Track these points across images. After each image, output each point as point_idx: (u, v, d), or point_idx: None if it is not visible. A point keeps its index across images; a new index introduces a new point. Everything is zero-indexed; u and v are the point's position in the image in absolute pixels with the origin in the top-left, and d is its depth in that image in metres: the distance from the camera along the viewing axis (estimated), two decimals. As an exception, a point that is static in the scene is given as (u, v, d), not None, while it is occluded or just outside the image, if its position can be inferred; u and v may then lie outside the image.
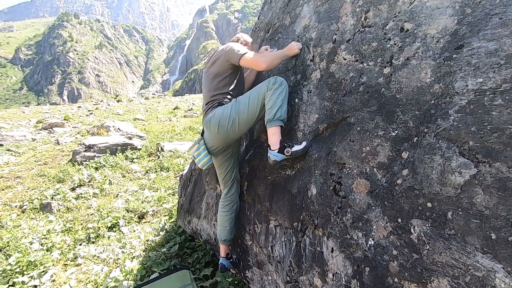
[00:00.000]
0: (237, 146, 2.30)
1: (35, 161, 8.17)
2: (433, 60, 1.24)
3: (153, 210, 4.98)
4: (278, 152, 1.77)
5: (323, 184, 1.56)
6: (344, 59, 1.72)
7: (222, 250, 2.28)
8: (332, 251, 1.44)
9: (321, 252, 1.50)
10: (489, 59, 1.06)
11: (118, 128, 10.48)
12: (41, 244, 3.89)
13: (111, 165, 7.33)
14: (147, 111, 20.95)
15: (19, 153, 9.98)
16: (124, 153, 7.91)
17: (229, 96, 2.08)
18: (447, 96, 1.15)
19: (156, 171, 7.03)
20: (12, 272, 3.22)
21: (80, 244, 4.03)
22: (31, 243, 3.89)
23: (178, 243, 3.38)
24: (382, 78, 1.45)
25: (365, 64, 1.57)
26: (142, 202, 5.19)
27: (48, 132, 15.23)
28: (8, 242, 3.85)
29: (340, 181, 1.48)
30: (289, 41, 2.19)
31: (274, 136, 1.82)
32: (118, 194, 5.89)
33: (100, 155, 7.68)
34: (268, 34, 2.54)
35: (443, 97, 1.16)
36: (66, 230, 4.41)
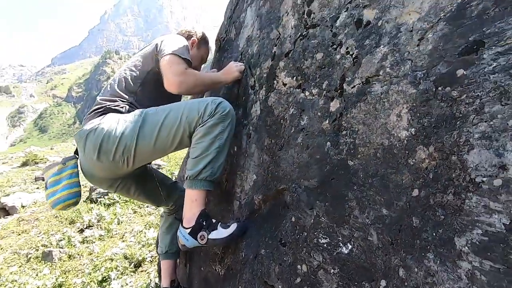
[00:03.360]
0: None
1: (58, 199, 8.32)
2: (412, 85, 0.53)
3: (151, 256, 4.50)
4: (190, 233, 1.08)
5: (244, 318, 0.86)
6: (284, 85, 1.04)
7: (164, 273, 1.60)
8: None
9: None
10: None
11: (139, 158, 10.46)
12: (25, 307, 3.57)
13: (124, 200, 7.12)
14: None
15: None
16: (138, 186, 7.69)
17: (130, 101, 1.30)
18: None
19: (167, 205, 6.65)
20: None
21: (66, 305, 3.64)
22: (15, 305, 3.58)
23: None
24: (327, 121, 0.75)
25: (307, 93, 0.88)
26: (143, 246, 4.75)
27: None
28: (-8, 306, 3.59)
29: (267, 321, 0.78)
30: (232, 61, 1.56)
31: (192, 205, 1.11)
32: (124, 235, 5.56)
33: (115, 190, 7.55)
34: (217, 54, 1.93)
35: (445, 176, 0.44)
36: (59, 286, 4.09)
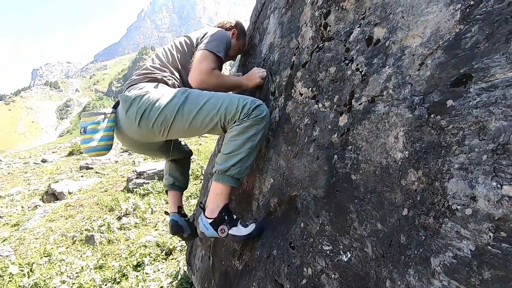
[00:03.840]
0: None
1: (99, 188, 9.03)
2: (409, 109, 0.56)
3: (181, 245, 4.78)
4: (211, 223, 1.17)
5: (256, 312, 0.94)
6: (301, 94, 1.09)
7: (172, 201, 1.73)
8: None
9: None
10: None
11: (171, 152, 10.95)
12: (71, 285, 3.99)
13: (157, 191, 7.55)
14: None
15: (104, 174, 11.23)
16: (171, 178, 8.08)
17: (177, 76, 1.42)
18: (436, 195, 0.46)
19: (196, 197, 6.94)
20: (33, 318, 3.28)
21: (106, 285, 4.01)
22: (63, 282, 4.02)
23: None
24: (336, 135, 0.79)
25: (320, 105, 0.93)
26: (173, 235, 5.06)
27: (128, 154, 17.03)
28: (45, 280, 4.06)
29: (276, 316, 0.85)
30: (255, 67, 1.62)
31: (216, 198, 1.20)
32: (157, 224, 5.93)
33: (149, 181, 8.01)
34: (242, 58, 2.01)
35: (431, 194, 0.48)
36: (99, 267, 4.50)
